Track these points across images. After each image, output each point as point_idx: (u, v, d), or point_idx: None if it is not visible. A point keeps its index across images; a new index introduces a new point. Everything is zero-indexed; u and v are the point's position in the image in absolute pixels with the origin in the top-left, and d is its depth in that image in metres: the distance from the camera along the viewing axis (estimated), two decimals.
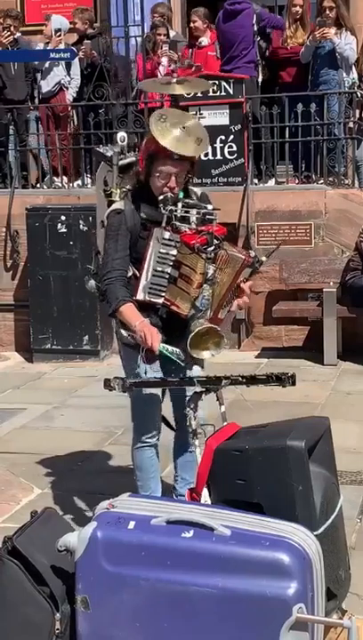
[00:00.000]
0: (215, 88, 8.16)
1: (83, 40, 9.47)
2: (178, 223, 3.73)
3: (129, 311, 3.76)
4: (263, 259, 3.88)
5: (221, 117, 8.29)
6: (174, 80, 3.99)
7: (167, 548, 2.81)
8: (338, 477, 3.49)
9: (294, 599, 2.66)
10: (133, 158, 4.00)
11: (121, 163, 3.96)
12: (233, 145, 8.30)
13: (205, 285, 3.68)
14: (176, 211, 3.73)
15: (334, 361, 7.53)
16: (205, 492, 3.28)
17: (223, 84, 8.29)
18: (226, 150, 8.31)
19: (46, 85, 9.41)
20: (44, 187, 9.22)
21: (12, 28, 9.28)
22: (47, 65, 9.34)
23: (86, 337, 8.07)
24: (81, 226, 8.01)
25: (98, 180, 4.16)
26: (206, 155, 8.12)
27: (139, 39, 9.01)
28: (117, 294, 3.78)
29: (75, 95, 9.41)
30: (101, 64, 9.03)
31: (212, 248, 3.65)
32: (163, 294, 3.75)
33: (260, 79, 9.17)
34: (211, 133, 8.27)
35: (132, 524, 2.88)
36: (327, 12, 8.49)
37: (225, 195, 7.56)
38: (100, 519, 2.94)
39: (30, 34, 10.09)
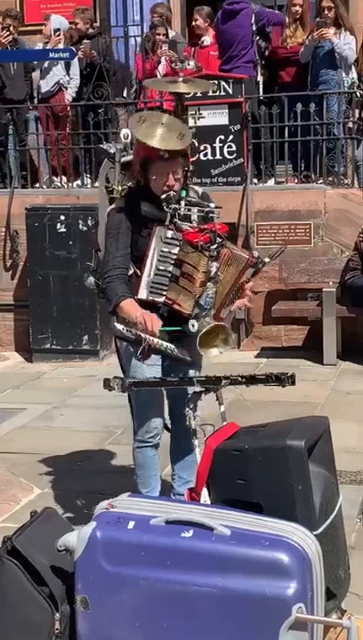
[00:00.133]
0: (215, 88, 8.17)
1: (82, 40, 9.46)
2: (179, 222, 3.73)
3: (129, 306, 3.76)
4: (267, 260, 3.88)
5: (220, 117, 8.29)
6: (181, 79, 3.99)
7: (167, 547, 2.80)
8: (338, 477, 3.49)
9: (293, 599, 2.66)
10: None
11: (123, 160, 3.96)
12: (232, 145, 8.30)
13: (209, 284, 3.68)
14: (179, 209, 3.74)
15: (334, 361, 7.53)
16: (204, 491, 3.28)
17: (222, 83, 8.29)
18: (225, 150, 8.31)
19: (45, 85, 9.39)
20: (44, 187, 9.22)
21: (11, 28, 9.28)
22: (46, 65, 9.34)
23: (86, 337, 8.07)
24: (80, 226, 8.01)
25: (100, 177, 4.17)
26: (206, 154, 8.13)
27: (138, 39, 9.01)
28: (117, 291, 3.79)
29: (74, 95, 9.40)
30: (101, 64, 9.03)
31: (215, 246, 3.65)
32: (164, 293, 3.75)
33: (260, 79, 9.17)
34: (210, 133, 8.35)
35: (131, 524, 2.88)
36: (326, 12, 8.49)
37: (224, 194, 7.55)
38: (99, 519, 2.94)
39: (30, 34, 10.08)
